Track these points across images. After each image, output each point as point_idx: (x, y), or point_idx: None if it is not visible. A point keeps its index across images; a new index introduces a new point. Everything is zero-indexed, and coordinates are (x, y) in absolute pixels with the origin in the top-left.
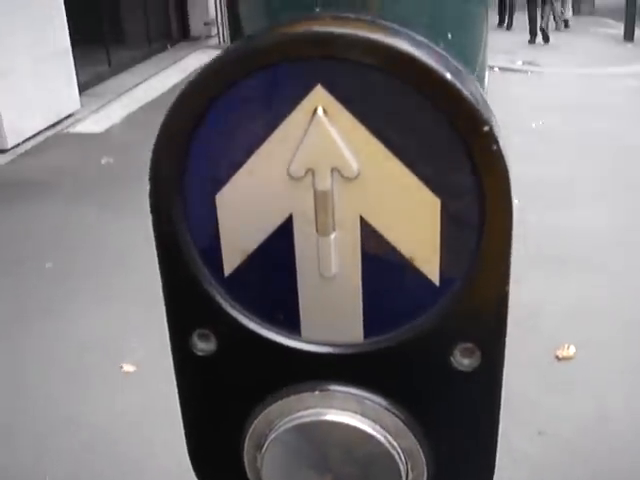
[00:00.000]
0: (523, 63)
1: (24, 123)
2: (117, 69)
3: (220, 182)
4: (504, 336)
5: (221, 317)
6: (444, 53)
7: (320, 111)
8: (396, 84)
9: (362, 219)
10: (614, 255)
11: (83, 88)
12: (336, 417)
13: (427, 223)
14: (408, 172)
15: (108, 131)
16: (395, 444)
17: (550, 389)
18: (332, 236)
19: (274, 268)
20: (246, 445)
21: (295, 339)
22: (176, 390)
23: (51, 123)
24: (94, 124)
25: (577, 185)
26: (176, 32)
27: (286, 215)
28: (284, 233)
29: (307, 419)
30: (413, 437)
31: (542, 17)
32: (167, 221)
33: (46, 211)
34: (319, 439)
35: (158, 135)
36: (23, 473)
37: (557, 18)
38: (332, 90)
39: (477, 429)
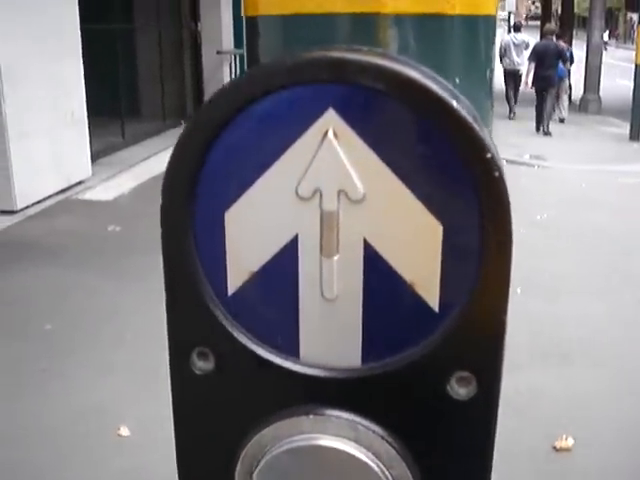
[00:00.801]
0: (530, 157)
1: (35, 186)
2: (130, 141)
3: (230, 199)
4: (501, 366)
5: (222, 336)
6: (452, 87)
7: (331, 133)
8: (403, 110)
9: (366, 242)
10: (614, 350)
11: (95, 157)
12: (329, 442)
13: (429, 248)
14: (412, 197)
15: (116, 200)
16: (387, 474)
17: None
18: (335, 257)
19: (277, 288)
20: (238, 469)
21: (293, 361)
22: (169, 453)
23: (61, 188)
24: (103, 192)
25: (579, 278)
26: (191, 109)
27: (292, 235)
28: (289, 253)
29: (300, 443)
30: (406, 467)
31: (545, 112)
32: (175, 235)
33: (50, 274)
34: (311, 464)
35: (174, 149)
36: None
37: (558, 113)
38: (343, 114)
39: (471, 460)
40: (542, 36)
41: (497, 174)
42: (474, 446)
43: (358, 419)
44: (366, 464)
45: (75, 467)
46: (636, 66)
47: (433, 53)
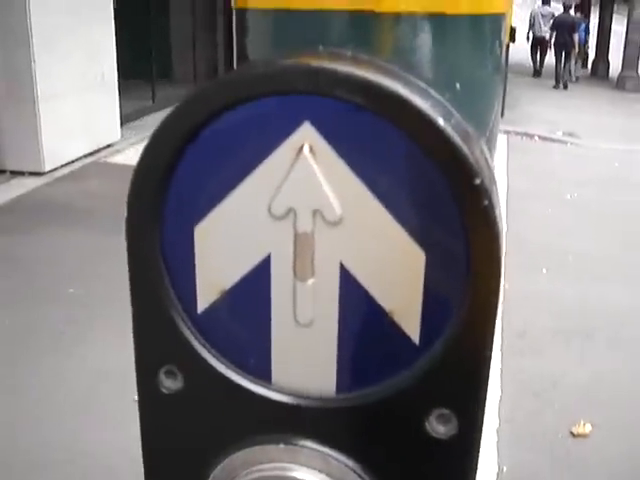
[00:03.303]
0: (563, 134)
1: (63, 148)
2: (161, 105)
3: (200, 213)
4: (484, 404)
5: (189, 355)
6: (443, 101)
7: (306, 149)
8: (385, 127)
9: (342, 266)
10: (637, 334)
11: (125, 120)
12: (299, 474)
13: (410, 277)
14: (393, 221)
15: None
16: None
17: (561, 465)
18: (310, 281)
19: (248, 309)
20: None
21: (264, 386)
22: None
23: (90, 151)
24: (132, 156)
25: (605, 260)
26: (223, 72)
27: (264, 255)
28: (261, 273)
29: (269, 473)
30: None
31: (563, 69)
32: (142, 250)
33: (75, 237)
34: None
35: (139, 160)
36: None
37: (571, 73)
38: (320, 128)
39: None
40: (563, 9)
41: (486, 202)
42: None
43: (331, 451)
44: None
45: (92, 430)
46: None
47: (433, 57)
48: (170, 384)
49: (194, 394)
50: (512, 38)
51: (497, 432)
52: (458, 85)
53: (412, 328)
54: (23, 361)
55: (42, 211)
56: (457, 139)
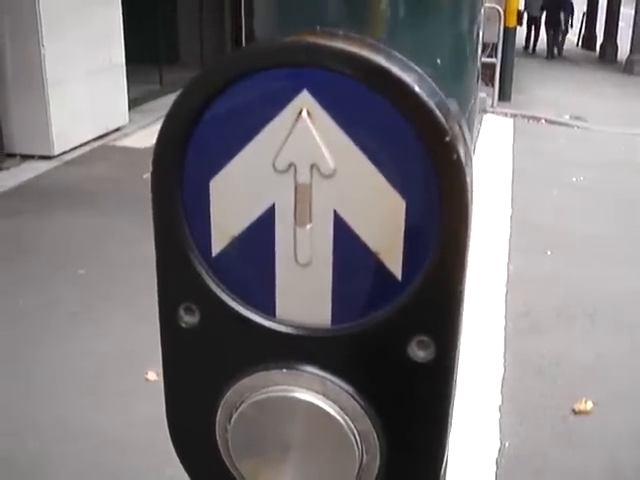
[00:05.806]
0: (570, 117)
1: (72, 132)
2: (168, 88)
3: (215, 169)
4: (458, 332)
5: (206, 293)
6: (422, 72)
7: (305, 113)
8: (370, 93)
9: (336, 213)
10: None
11: (133, 104)
12: (300, 395)
13: (393, 222)
14: (378, 174)
15: (153, 148)
16: (352, 426)
17: (562, 442)
18: (308, 226)
19: (256, 252)
20: (218, 416)
21: (270, 319)
22: None
23: (98, 135)
24: (140, 139)
25: (609, 243)
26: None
27: (269, 204)
28: (266, 221)
29: (273, 394)
30: (369, 422)
31: (554, 41)
32: (164, 201)
33: (85, 219)
34: (283, 414)
35: (163, 124)
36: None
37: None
38: (317, 95)
39: (429, 420)
40: None
41: (455, 157)
42: (433, 406)
43: (327, 375)
44: (333, 416)
45: (103, 409)
46: None
47: (417, 36)
48: (188, 319)
49: (209, 327)
50: (519, 21)
51: (500, 409)
52: (439, 61)
53: (395, 266)
54: (38, 340)
55: (52, 194)
56: (429, 102)
